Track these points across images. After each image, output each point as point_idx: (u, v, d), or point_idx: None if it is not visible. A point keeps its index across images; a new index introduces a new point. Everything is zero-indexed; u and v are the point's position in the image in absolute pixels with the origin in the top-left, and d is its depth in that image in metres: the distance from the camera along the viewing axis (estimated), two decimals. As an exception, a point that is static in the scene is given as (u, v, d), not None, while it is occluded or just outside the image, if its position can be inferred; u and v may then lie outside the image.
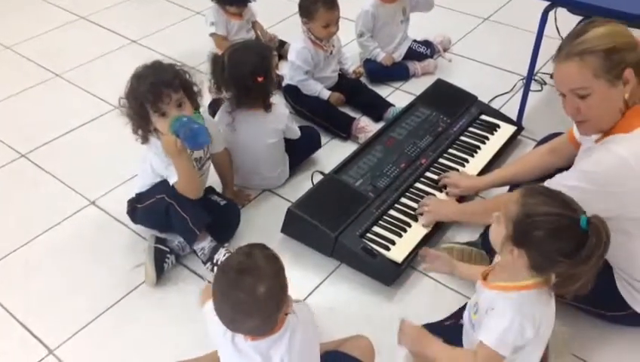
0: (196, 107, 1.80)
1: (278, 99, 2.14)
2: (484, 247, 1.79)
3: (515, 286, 1.27)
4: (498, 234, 1.27)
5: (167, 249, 1.86)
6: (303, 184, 2.19)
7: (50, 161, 2.37)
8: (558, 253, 1.18)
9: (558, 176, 1.54)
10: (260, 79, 1.95)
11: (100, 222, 2.09)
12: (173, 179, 1.76)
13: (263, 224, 2.06)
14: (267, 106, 2.04)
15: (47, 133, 2.51)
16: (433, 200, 1.97)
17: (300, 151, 2.24)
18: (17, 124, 2.60)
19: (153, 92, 1.65)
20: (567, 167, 1.66)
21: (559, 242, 1.18)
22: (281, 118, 2.08)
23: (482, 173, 2.13)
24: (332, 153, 2.35)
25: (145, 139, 1.76)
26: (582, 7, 2.16)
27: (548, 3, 2.15)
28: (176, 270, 1.90)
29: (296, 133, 2.16)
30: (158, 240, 1.89)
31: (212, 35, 2.75)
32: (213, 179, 2.09)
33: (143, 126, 1.72)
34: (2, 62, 3.04)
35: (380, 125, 2.49)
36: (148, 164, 1.82)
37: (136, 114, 1.70)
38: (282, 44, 2.96)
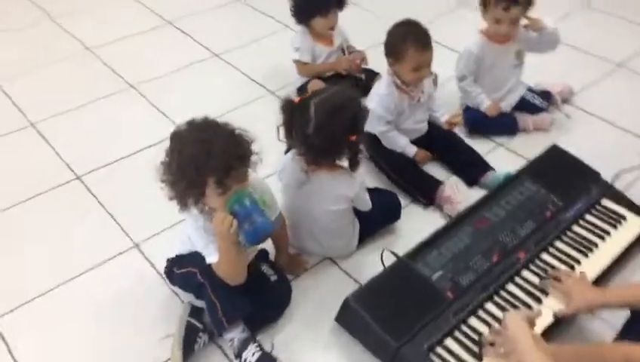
0: None
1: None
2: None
3: None
4: None
5: (200, 326, 1.60)
6: (371, 258, 1.85)
7: (103, 187, 2.19)
8: None
9: None
10: (352, 138, 1.64)
11: (139, 270, 1.87)
12: (211, 259, 1.48)
13: (316, 301, 1.75)
14: (355, 165, 1.71)
15: (106, 154, 2.34)
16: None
17: (373, 221, 1.88)
18: (80, 138, 2.44)
19: (225, 168, 1.36)
20: None
21: None
22: (352, 185, 1.73)
23: (598, 282, 1.68)
24: (410, 221, 1.99)
25: (185, 207, 1.48)
26: None
27: None
28: (208, 350, 1.63)
29: (366, 205, 1.80)
30: (193, 311, 1.64)
31: (295, 61, 2.49)
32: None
33: (192, 198, 1.44)
34: (80, 65, 2.92)
35: (473, 191, 2.10)
36: (186, 234, 1.56)
37: (192, 186, 1.40)
38: (373, 75, 2.60)
